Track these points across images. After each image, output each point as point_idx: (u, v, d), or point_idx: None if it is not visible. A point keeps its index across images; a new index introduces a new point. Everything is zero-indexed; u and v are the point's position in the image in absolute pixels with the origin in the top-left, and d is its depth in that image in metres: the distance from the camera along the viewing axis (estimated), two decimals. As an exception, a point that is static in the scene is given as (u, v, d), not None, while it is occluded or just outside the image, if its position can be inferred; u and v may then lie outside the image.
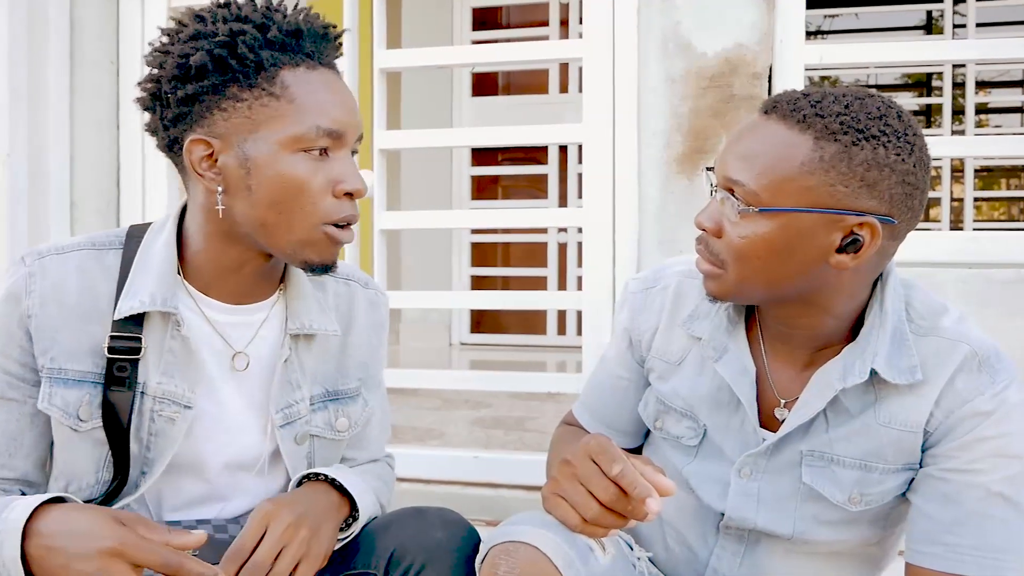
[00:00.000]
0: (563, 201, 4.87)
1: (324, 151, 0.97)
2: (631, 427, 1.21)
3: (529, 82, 5.01)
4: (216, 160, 0.96)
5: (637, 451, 1.23)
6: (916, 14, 5.64)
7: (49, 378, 0.98)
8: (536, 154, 4.91)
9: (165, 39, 0.99)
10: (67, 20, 2.16)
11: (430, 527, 1.03)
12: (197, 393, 1.03)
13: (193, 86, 0.94)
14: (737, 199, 0.93)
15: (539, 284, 4.95)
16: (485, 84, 5.06)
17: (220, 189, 0.97)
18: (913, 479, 1.00)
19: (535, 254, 5.02)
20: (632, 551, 1.16)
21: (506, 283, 5.13)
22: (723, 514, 1.07)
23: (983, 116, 6.00)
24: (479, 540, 1.03)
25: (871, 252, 0.92)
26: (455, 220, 2.69)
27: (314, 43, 0.98)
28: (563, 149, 4.87)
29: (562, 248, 4.94)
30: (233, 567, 0.90)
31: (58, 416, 0.98)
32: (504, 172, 5.03)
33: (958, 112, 5.09)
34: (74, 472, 1.01)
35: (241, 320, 1.05)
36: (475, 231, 4.96)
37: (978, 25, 4.75)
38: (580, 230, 1.97)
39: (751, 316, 1.08)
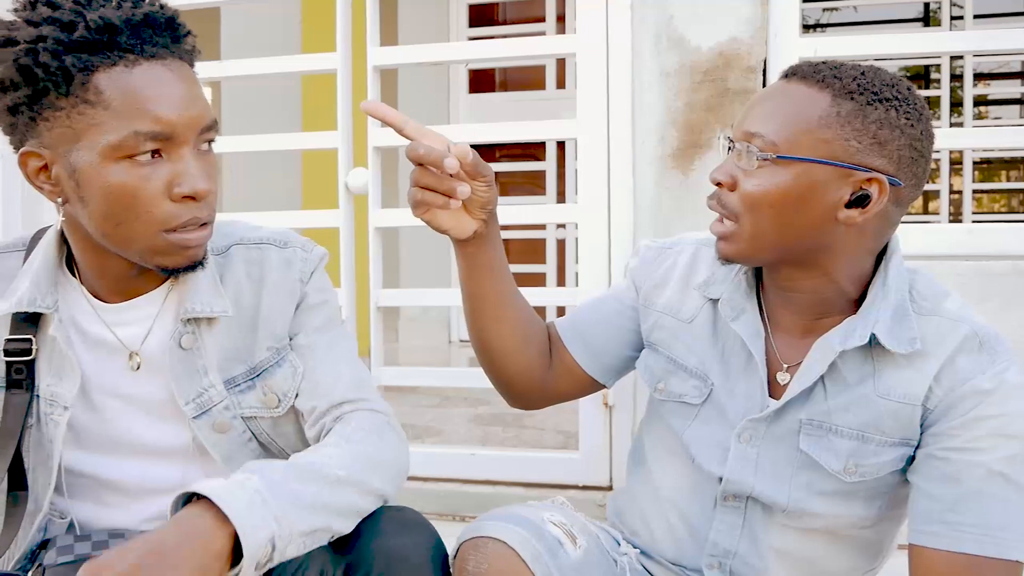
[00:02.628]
0: (561, 197, 4.87)
1: (156, 153, 0.90)
2: (611, 359, 1.23)
3: (526, 79, 5.01)
4: (51, 173, 0.92)
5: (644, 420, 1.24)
6: (914, 6, 5.63)
7: None
8: (534, 150, 4.91)
9: None
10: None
11: (387, 532, 0.94)
12: (90, 392, 1.01)
13: (8, 97, 0.89)
14: (753, 148, 0.98)
15: (538, 280, 4.96)
16: (482, 81, 5.06)
17: (59, 201, 0.94)
18: (912, 457, 1.02)
19: (534, 250, 5.02)
20: (619, 546, 1.17)
21: (505, 280, 5.12)
22: (721, 479, 1.08)
23: (982, 108, 5.99)
24: (440, 542, 0.98)
25: (877, 210, 0.97)
26: (452, 217, 2.69)
27: (133, 36, 0.88)
28: (561, 145, 4.86)
29: (560, 244, 4.94)
30: None
31: None
32: (502, 169, 5.02)
33: (957, 104, 5.08)
34: None
35: (133, 316, 1.02)
36: (473, 228, 4.94)
37: (975, 17, 4.74)
38: (577, 226, 1.97)
39: (759, 285, 1.12)
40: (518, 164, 4.97)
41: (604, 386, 1.25)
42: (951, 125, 5.09)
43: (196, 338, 1.02)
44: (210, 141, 0.96)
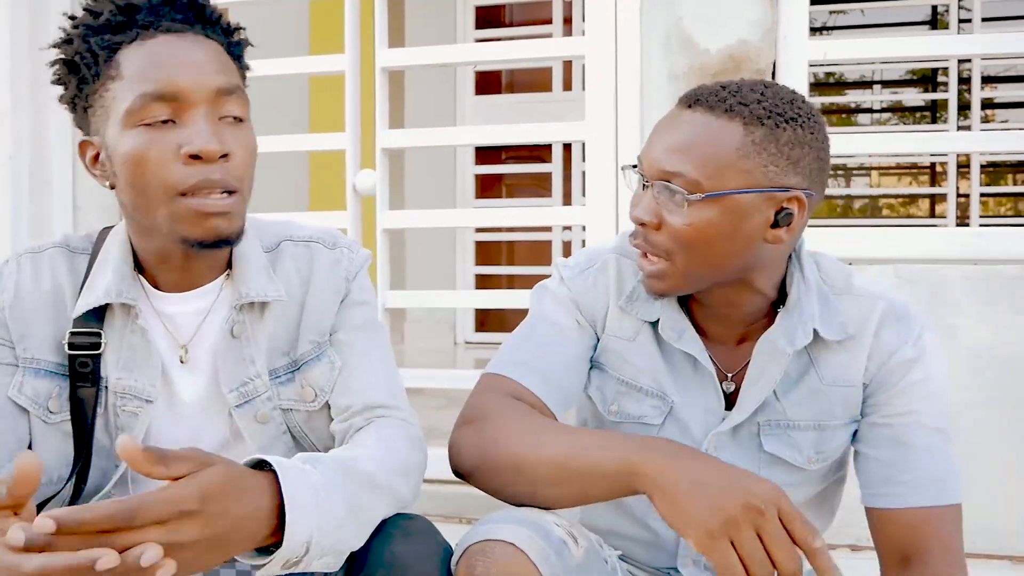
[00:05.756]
0: (567, 200, 4.86)
1: (169, 120, 0.92)
2: (575, 394, 1.16)
3: (533, 80, 5.01)
4: (99, 159, 0.98)
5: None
6: (921, 9, 5.62)
7: (24, 368, 1.02)
8: (540, 152, 4.91)
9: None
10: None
11: (391, 539, 0.92)
12: (157, 386, 1.03)
13: (67, 93, 0.98)
14: (678, 188, 0.97)
15: (544, 283, 4.94)
16: (489, 83, 5.06)
17: (108, 186, 0.98)
18: (856, 430, 1.09)
19: (539, 253, 5.01)
20: (603, 549, 1.14)
21: (510, 282, 5.13)
22: None
23: (989, 111, 5.97)
24: (448, 551, 0.96)
25: (801, 224, 1.00)
26: (459, 219, 2.69)
27: (151, 14, 0.94)
28: (567, 147, 4.86)
29: (566, 246, 4.93)
30: (111, 524, 0.68)
31: (28, 407, 1.01)
32: (508, 171, 5.02)
33: (964, 107, 5.07)
34: (45, 465, 1.00)
35: (189, 308, 1.04)
36: (479, 230, 4.95)
37: (983, 20, 4.72)
38: (584, 228, 1.97)
39: (685, 299, 1.12)
40: (524, 166, 4.97)
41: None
42: (958, 128, 5.08)
43: (246, 327, 1.04)
44: (236, 116, 0.96)
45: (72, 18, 0.97)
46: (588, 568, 1.02)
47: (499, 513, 1.00)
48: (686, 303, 1.11)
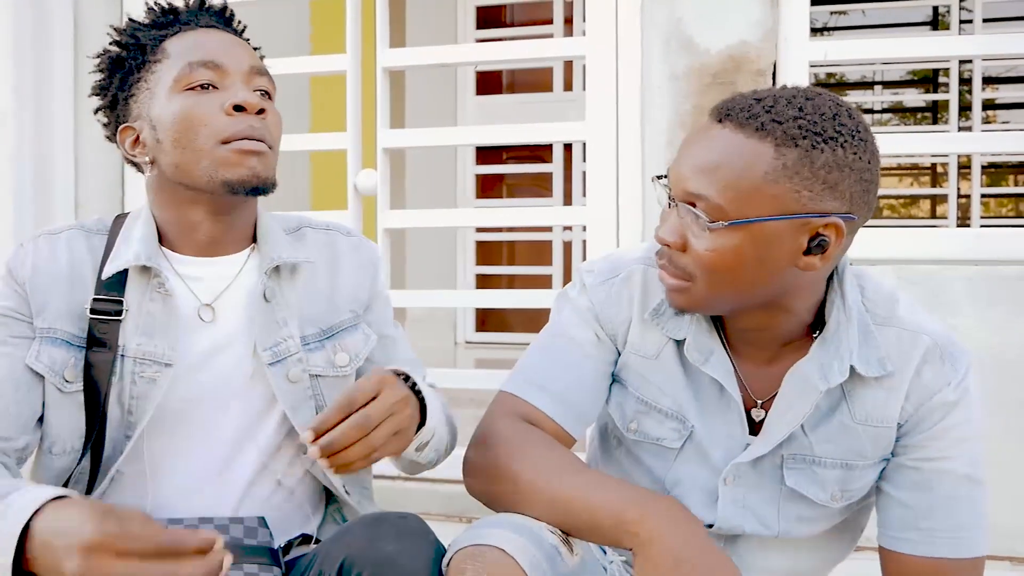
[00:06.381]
0: (568, 199, 4.86)
1: (210, 86, 1.05)
2: (594, 412, 1.13)
3: (533, 80, 5.01)
4: (140, 139, 1.09)
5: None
6: (922, 10, 5.61)
7: (40, 337, 1.05)
8: (541, 152, 4.90)
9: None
10: (71, 21, 2.17)
11: (383, 538, 0.93)
12: (178, 350, 1.06)
13: (108, 96, 1.11)
14: (700, 213, 0.92)
15: (544, 282, 4.94)
16: (489, 83, 5.06)
17: (148, 161, 1.08)
18: (884, 468, 1.04)
19: (540, 252, 5.01)
20: (605, 555, 1.13)
21: (511, 282, 5.13)
22: (710, 525, 1.05)
23: (990, 112, 5.97)
24: (439, 551, 0.95)
25: (838, 250, 0.92)
26: (460, 219, 2.70)
27: (191, 14, 1.12)
28: (568, 147, 4.85)
29: (567, 246, 4.93)
30: (339, 416, 0.87)
31: (44, 373, 1.04)
32: (509, 171, 5.02)
33: (965, 108, 5.07)
34: (58, 434, 1.06)
35: (213, 272, 1.10)
36: (480, 230, 4.95)
37: (985, 21, 4.72)
38: (585, 228, 1.97)
39: (716, 319, 1.07)
40: (524, 166, 4.97)
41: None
42: (959, 129, 5.08)
43: (277, 291, 1.12)
44: (266, 92, 1.10)
45: (122, 26, 1.12)
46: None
47: (494, 517, 0.99)
48: (718, 318, 1.05)
